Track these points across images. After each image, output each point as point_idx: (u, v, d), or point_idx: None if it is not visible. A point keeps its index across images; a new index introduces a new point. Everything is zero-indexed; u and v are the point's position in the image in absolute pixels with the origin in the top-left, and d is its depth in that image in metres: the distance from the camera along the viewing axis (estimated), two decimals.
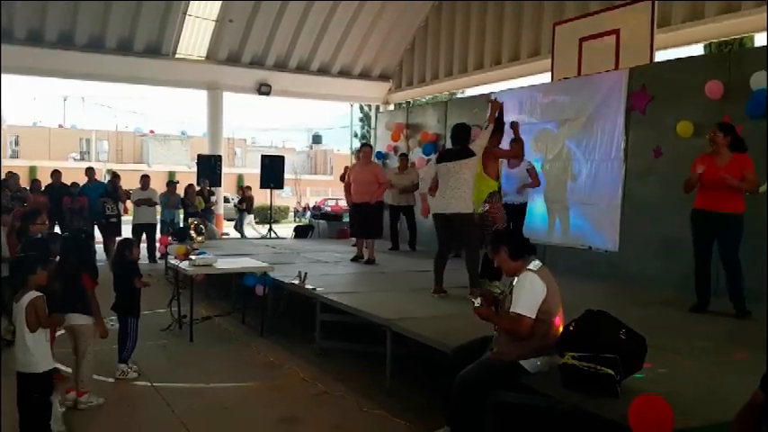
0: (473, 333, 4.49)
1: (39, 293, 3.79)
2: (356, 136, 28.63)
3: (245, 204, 15.79)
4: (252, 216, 16.47)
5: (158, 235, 11.74)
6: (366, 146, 9.41)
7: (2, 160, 16.91)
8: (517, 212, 8.07)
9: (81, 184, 12.03)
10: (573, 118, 8.25)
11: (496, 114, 6.43)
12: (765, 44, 6.53)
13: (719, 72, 6.55)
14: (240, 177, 40.61)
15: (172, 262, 7.21)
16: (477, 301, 3.64)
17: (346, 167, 10.56)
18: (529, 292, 3.40)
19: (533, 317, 3.36)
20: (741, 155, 5.31)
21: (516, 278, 3.53)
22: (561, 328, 3.47)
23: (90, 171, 12.53)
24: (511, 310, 3.42)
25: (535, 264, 3.53)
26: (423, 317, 5.12)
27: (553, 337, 3.44)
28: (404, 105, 16.56)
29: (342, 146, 43.99)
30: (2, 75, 9.25)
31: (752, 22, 9.03)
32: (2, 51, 10.99)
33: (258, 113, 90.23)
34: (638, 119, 7.41)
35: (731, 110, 6.18)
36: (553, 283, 3.50)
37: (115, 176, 12.32)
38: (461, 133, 6.22)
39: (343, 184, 9.84)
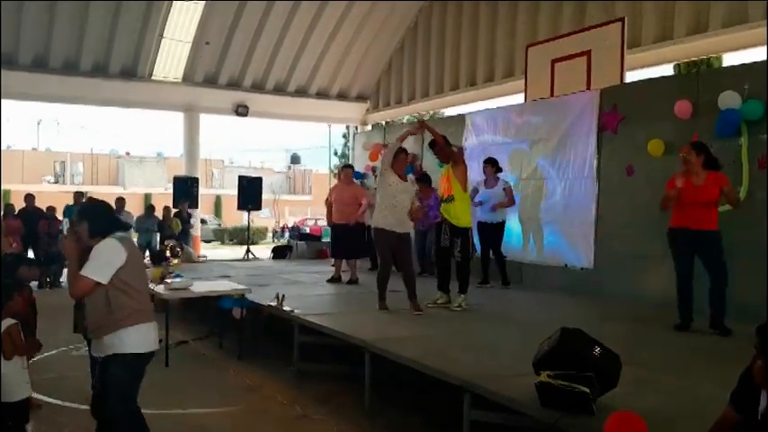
0: (453, 353, 4.51)
1: (13, 321, 3.73)
2: (336, 154, 28.69)
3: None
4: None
5: None
6: (348, 167, 9.46)
7: None
8: (494, 231, 8.20)
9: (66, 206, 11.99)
10: (546, 138, 8.38)
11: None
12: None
13: (689, 92, 6.70)
14: (218, 198, 40.44)
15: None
16: None
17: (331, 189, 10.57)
18: (105, 257, 3.23)
19: (100, 281, 3.19)
20: (716, 173, 5.36)
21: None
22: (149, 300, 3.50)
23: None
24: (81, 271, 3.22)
25: (121, 234, 3.38)
26: (402, 337, 5.11)
27: (144, 305, 3.40)
28: (381, 125, 16.65)
29: (321, 166, 44.09)
30: None
31: (720, 42, 9.26)
32: None
33: (236, 134, 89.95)
34: (609, 138, 7.56)
35: (700, 129, 6.32)
36: (136, 256, 3.40)
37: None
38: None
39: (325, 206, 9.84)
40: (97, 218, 3.43)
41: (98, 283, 3.21)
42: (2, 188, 12.34)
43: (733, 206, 5.47)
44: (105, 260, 3.24)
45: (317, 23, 14.48)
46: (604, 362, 3.31)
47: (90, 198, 4.09)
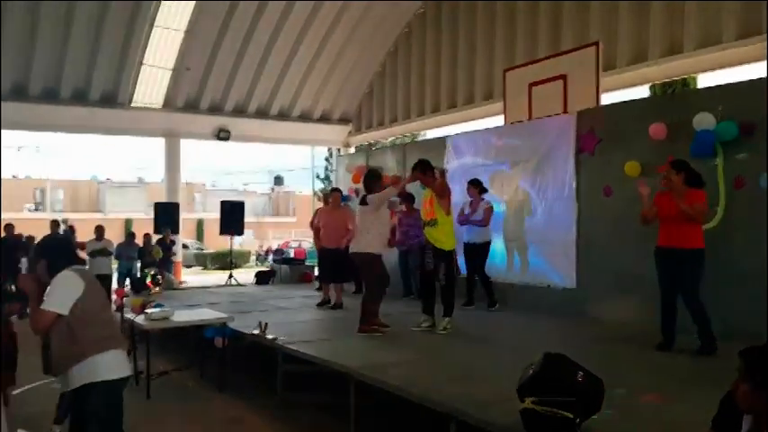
0: (438, 379, 4.50)
1: None
2: (318, 177, 28.72)
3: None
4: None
5: (114, 286, 11.46)
6: (336, 190, 9.46)
7: None
8: (478, 252, 8.23)
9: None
10: (525, 160, 8.47)
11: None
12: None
13: (663, 114, 6.81)
14: (200, 222, 40.17)
15: (128, 315, 7.02)
16: None
17: (316, 212, 10.54)
18: (62, 289, 3.28)
19: (60, 312, 3.22)
20: (697, 190, 5.39)
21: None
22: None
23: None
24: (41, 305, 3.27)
25: (77, 267, 3.47)
26: (386, 363, 5.07)
27: (109, 332, 3.43)
28: (364, 148, 16.73)
29: (304, 187, 44.07)
30: None
31: (694, 63, 9.46)
32: None
33: (218, 157, 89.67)
34: (587, 160, 7.65)
35: (676, 150, 6.40)
36: (95, 285, 3.44)
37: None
38: (366, 180, 6.90)
39: (309, 228, 9.84)
40: (55, 255, 3.46)
41: (59, 315, 3.22)
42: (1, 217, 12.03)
43: (696, 221, 5.38)
44: (62, 291, 3.26)
45: (298, 47, 14.59)
46: (587, 387, 3.32)
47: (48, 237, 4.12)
